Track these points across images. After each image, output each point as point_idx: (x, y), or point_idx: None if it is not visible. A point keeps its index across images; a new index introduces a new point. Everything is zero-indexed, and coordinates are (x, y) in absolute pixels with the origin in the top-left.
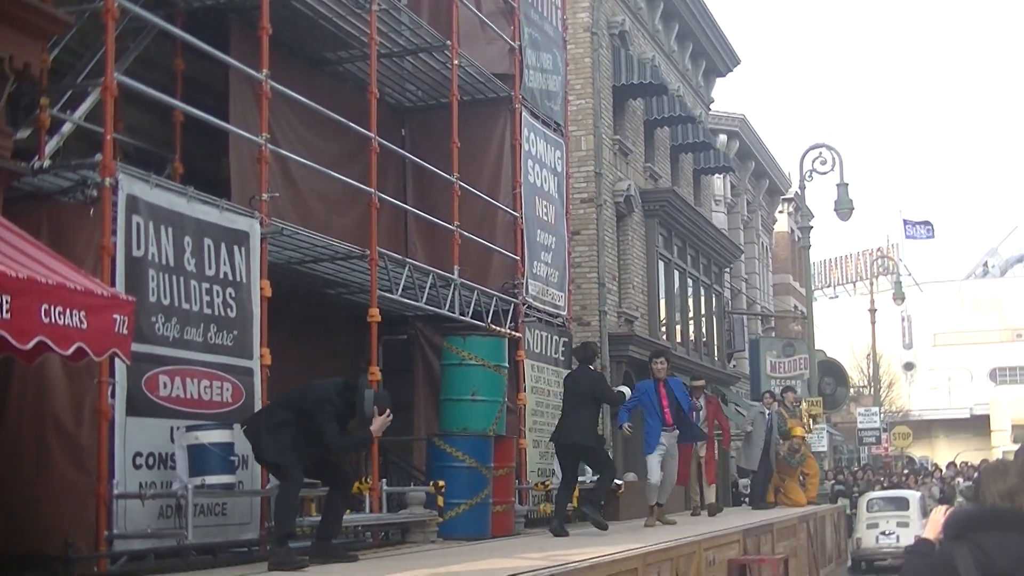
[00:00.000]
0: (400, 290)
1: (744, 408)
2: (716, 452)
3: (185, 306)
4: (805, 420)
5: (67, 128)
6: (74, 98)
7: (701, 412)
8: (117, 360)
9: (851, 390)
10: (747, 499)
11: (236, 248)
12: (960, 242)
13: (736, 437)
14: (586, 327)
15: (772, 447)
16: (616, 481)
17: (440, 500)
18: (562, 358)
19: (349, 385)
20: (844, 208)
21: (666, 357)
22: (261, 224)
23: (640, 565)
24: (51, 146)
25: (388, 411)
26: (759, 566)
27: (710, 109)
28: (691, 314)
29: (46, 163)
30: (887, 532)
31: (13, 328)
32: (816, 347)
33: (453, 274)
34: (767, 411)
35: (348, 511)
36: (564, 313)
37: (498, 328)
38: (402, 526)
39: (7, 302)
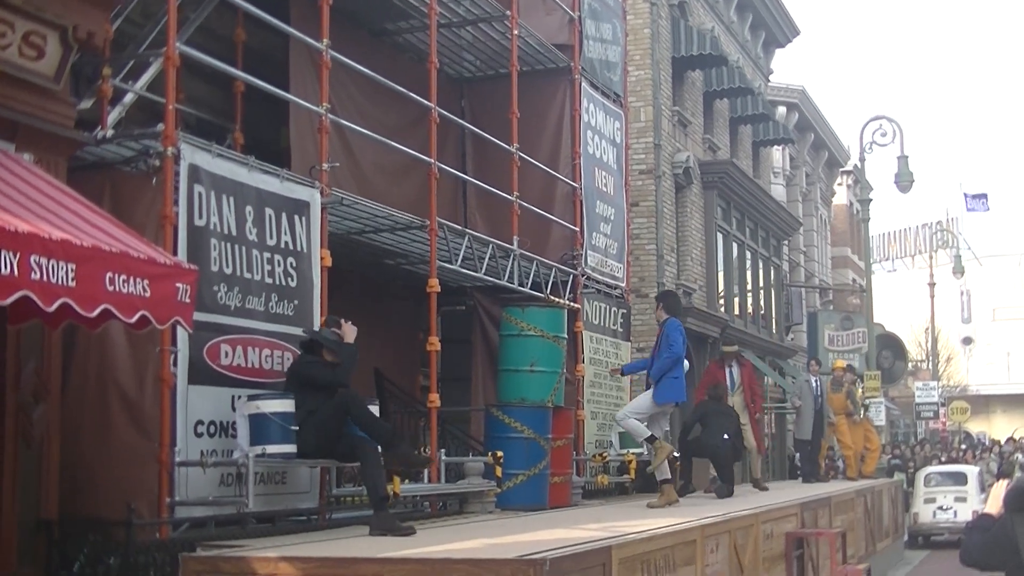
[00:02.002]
0: (459, 261)
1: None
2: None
3: (247, 275)
4: (856, 403)
5: (129, 98)
6: (136, 68)
7: (736, 381)
8: (179, 328)
9: (909, 364)
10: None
11: (297, 218)
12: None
13: (788, 410)
14: (644, 299)
15: (824, 416)
16: (674, 453)
17: (498, 471)
18: (620, 329)
19: (304, 342)
20: (904, 180)
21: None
22: (321, 194)
23: (699, 537)
24: (113, 116)
25: (343, 321)
26: (816, 539)
27: (769, 81)
28: (749, 287)
29: (108, 133)
30: (945, 507)
31: (78, 295)
32: (874, 321)
33: (512, 245)
34: (814, 379)
35: (406, 479)
36: (623, 285)
37: (557, 299)
38: (460, 496)
39: (72, 270)
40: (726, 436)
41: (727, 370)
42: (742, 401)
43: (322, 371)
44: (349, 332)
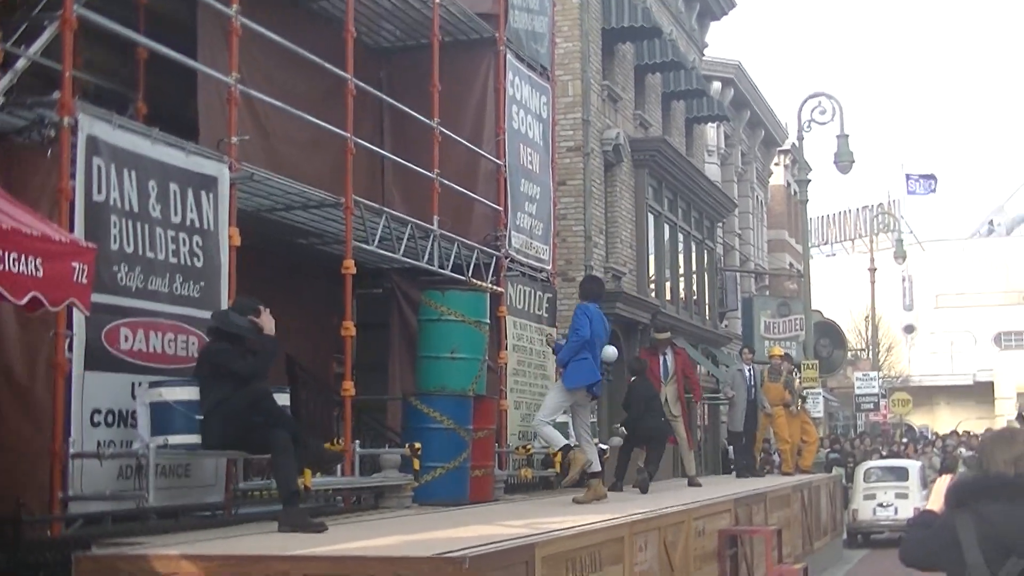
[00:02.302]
0: (376, 241)
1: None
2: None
3: (149, 254)
4: (795, 393)
5: (21, 64)
6: (29, 32)
7: (670, 369)
8: (75, 310)
9: (848, 353)
10: (733, 466)
11: (204, 194)
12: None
13: (720, 401)
14: (571, 283)
15: (758, 407)
16: (601, 446)
17: (416, 463)
18: (546, 315)
19: (213, 326)
20: (844, 160)
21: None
22: (230, 169)
23: (627, 534)
24: (4, 83)
25: (262, 308)
26: (751, 537)
27: (704, 55)
28: (682, 271)
29: None
30: (885, 504)
31: None
32: (812, 307)
33: (432, 225)
34: (747, 368)
35: (318, 473)
36: (549, 267)
37: (479, 282)
38: (375, 490)
39: None
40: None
41: (660, 358)
42: (675, 392)
43: (241, 362)
44: (268, 323)
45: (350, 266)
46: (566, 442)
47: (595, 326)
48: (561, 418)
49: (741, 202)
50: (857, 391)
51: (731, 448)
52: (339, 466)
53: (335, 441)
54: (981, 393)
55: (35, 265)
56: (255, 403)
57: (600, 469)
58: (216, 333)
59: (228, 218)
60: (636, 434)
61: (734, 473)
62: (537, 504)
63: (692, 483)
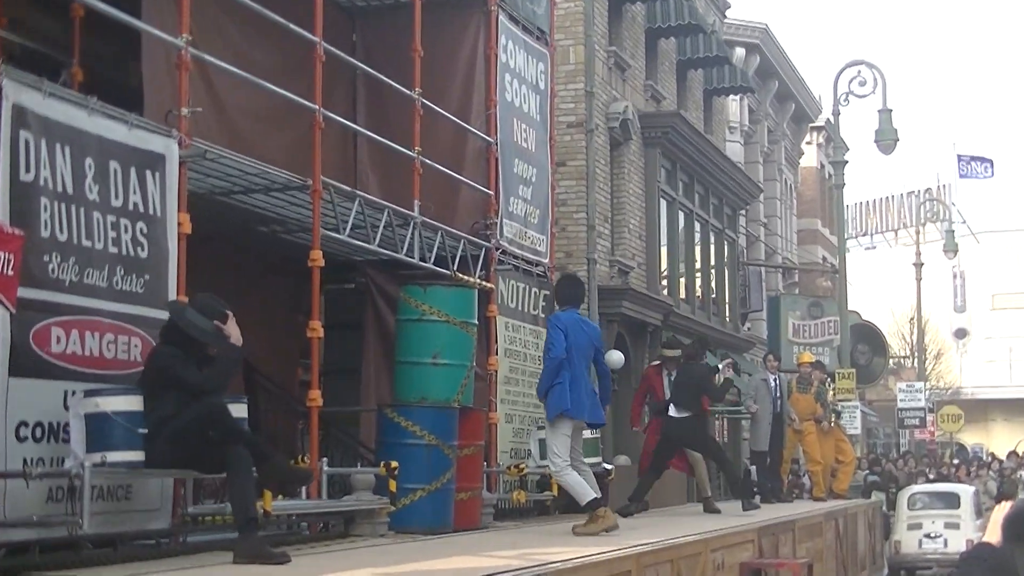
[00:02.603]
0: (348, 229)
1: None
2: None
3: (86, 243)
4: (828, 407)
5: None
6: None
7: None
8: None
9: (890, 361)
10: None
11: (149, 174)
12: None
13: (741, 415)
14: None
15: (784, 421)
16: (604, 465)
17: (392, 485)
18: (542, 315)
19: (168, 325)
20: (886, 139)
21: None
22: (180, 145)
23: (634, 567)
24: None
25: (229, 314)
26: (777, 571)
27: (726, 17)
28: (698, 265)
29: None
30: (933, 535)
31: None
32: (849, 308)
33: (413, 211)
34: (772, 377)
35: (280, 495)
36: (546, 261)
37: (466, 277)
38: (346, 516)
39: None
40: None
41: (664, 378)
42: None
43: (196, 373)
44: (235, 331)
45: (318, 258)
46: (595, 495)
47: (573, 338)
48: (540, 433)
49: (767, 187)
50: (900, 405)
51: (754, 469)
52: (304, 488)
53: (300, 459)
54: None
55: None
56: (210, 419)
57: (599, 495)
58: (168, 333)
59: (178, 202)
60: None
61: (756, 498)
62: (531, 532)
63: (709, 508)
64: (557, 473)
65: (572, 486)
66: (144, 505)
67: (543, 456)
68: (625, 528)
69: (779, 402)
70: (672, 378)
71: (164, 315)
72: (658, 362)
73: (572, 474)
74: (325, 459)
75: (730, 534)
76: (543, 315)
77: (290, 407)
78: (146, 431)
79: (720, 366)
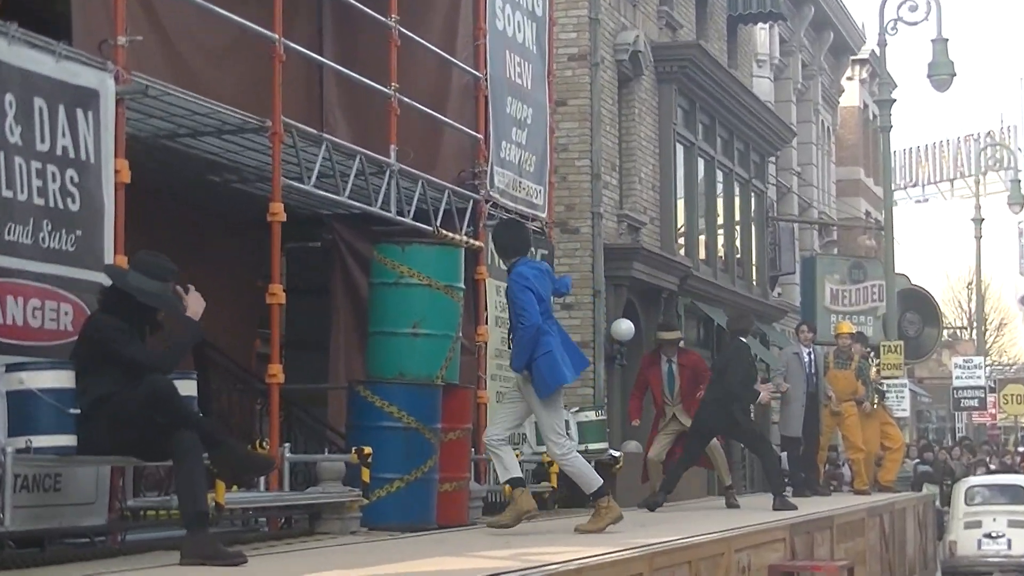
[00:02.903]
0: (314, 178)
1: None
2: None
3: (6, 193)
4: (870, 385)
5: None
6: None
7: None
8: None
9: (944, 333)
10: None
11: (80, 113)
12: None
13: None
14: (574, 235)
15: (819, 402)
16: (611, 452)
17: (365, 474)
18: None
19: (107, 291)
20: (941, 73)
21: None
22: (116, 80)
23: (646, 569)
24: None
25: (191, 287)
26: (812, 574)
27: None
28: (721, 220)
29: None
30: (994, 534)
31: None
32: (896, 270)
33: (389, 157)
34: (805, 351)
35: (236, 487)
36: (543, 215)
37: (451, 234)
38: (311, 510)
39: None
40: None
41: (663, 366)
42: (684, 411)
43: (144, 354)
44: (196, 304)
45: (278, 211)
46: (600, 483)
47: (543, 291)
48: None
49: (801, 130)
50: (956, 383)
51: (785, 458)
52: (263, 478)
53: (258, 444)
54: None
55: None
56: (156, 400)
57: (599, 485)
58: (109, 300)
59: (114, 146)
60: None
61: (789, 491)
62: (526, 529)
63: (731, 503)
64: (564, 456)
65: (581, 471)
66: (76, 498)
67: (540, 441)
68: (635, 525)
69: (814, 380)
70: (672, 366)
71: (99, 277)
72: (654, 348)
73: (579, 457)
74: (287, 445)
75: (757, 532)
76: None
77: (247, 384)
78: (79, 412)
79: (763, 389)
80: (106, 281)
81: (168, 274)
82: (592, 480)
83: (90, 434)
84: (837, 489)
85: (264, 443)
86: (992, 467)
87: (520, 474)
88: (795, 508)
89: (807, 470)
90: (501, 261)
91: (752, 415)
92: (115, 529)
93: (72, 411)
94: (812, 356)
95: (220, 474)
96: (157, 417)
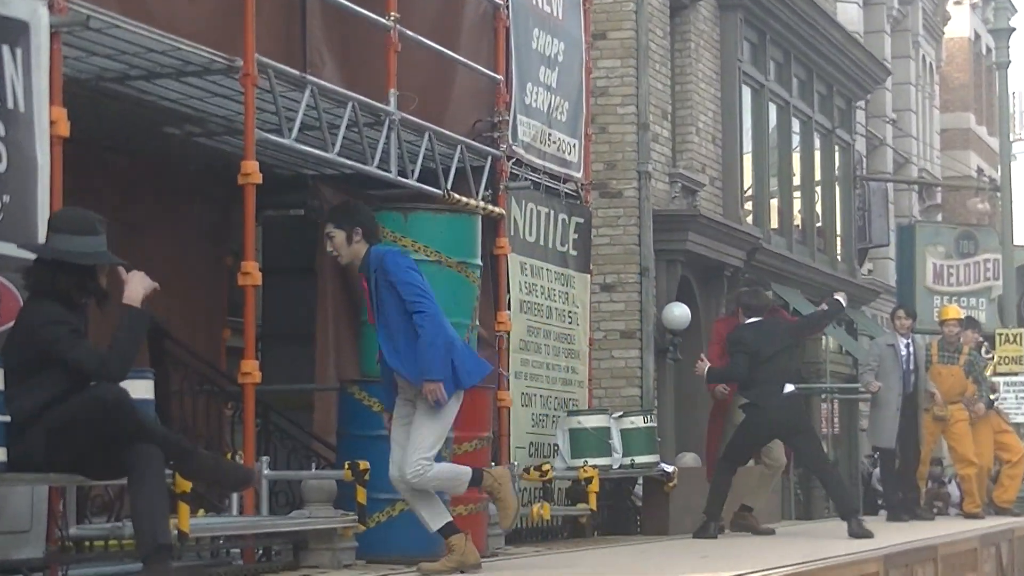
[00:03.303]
0: (295, 131)
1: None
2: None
3: None
4: (984, 384)
5: None
6: None
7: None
8: None
9: None
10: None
11: (7, 50)
12: None
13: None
14: (616, 199)
15: (919, 406)
16: (664, 467)
17: (361, 494)
18: (574, 252)
19: (33, 269)
20: None
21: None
22: (51, 8)
23: None
24: None
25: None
26: None
27: None
28: (797, 181)
29: None
30: None
31: None
32: (1015, 241)
33: (388, 105)
34: (903, 342)
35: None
36: (578, 175)
37: (464, 198)
38: (295, 538)
39: None
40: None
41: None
42: None
43: (94, 357)
44: (136, 286)
45: (253, 171)
46: (450, 517)
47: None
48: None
49: (897, 67)
50: None
51: (877, 473)
52: (237, 499)
53: (230, 458)
54: None
55: None
56: (106, 414)
57: (447, 521)
58: (39, 281)
59: (50, 91)
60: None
61: (884, 513)
62: (558, 562)
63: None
64: (420, 477)
65: (428, 502)
66: (7, 525)
67: (576, 454)
68: (690, 553)
69: (913, 377)
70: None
71: (26, 254)
72: (733, 309)
73: (436, 466)
74: (265, 458)
75: (842, 565)
76: (575, 252)
77: (214, 385)
78: (9, 420)
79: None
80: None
81: (96, 224)
82: (438, 511)
83: (24, 446)
84: (942, 512)
85: (237, 457)
86: None
87: (451, 517)
88: (871, 536)
89: (906, 489)
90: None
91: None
92: (55, 562)
93: (1, 418)
94: (911, 348)
95: (193, 479)
96: (107, 429)
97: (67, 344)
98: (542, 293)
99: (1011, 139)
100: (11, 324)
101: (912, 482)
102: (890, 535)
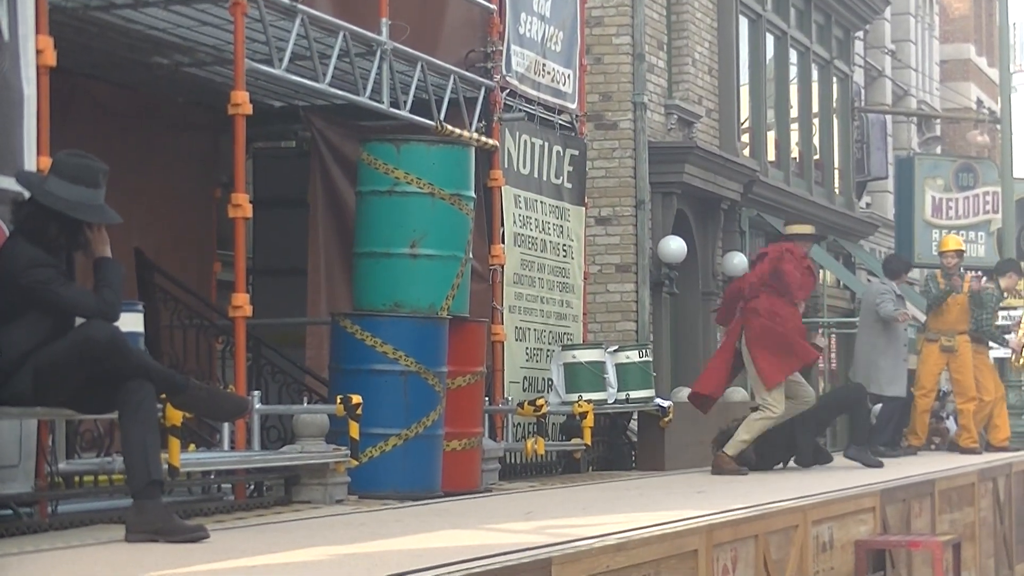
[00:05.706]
0: (286, 61)
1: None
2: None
3: None
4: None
5: None
6: None
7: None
8: None
9: None
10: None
11: None
12: None
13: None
14: (611, 130)
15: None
16: (660, 403)
17: (354, 429)
18: (569, 185)
19: (24, 205)
20: None
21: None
22: None
23: (702, 545)
24: None
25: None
26: (909, 552)
27: None
28: (794, 113)
29: None
30: None
31: None
32: (1015, 174)
33: (380, 34)
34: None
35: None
36: (573, 106)
37: (457, 130)
38: (287, 474)
39: None
40: None
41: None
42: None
43: (87, 298)
44: (99, 241)
45: (242, 102)
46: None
47: None
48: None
49: None
50: None
51: (876, 407)
52: (228, 434)
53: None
54: None
55: None
56: (98, 353)
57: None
58: (27, 217)
59: (35, 20)
60: None
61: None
62: (553, 497)
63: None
64: None
65: None
66: None
67: (571, 388)
68: (691, 490)
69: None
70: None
71: (15, 186)
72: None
73: None
74: (257, 393)
75: (839, 500)
76: (570, 185)
77: (204, 319)
78: None
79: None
80: (22, 191)
81: (98, 176)
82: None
83: (10, 383)
84: (939, 447)
85: (230, 387)
86: None
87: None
88: (880, 465)
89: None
90: None
91: None
92: (44, 498)
93: None
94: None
95: (187, 410)
96: (100, 368)
97: (59, 285)
98: (536, 226)
99: (1011, 70)
100: None
101: (908, 417)
102: (885, 471)
